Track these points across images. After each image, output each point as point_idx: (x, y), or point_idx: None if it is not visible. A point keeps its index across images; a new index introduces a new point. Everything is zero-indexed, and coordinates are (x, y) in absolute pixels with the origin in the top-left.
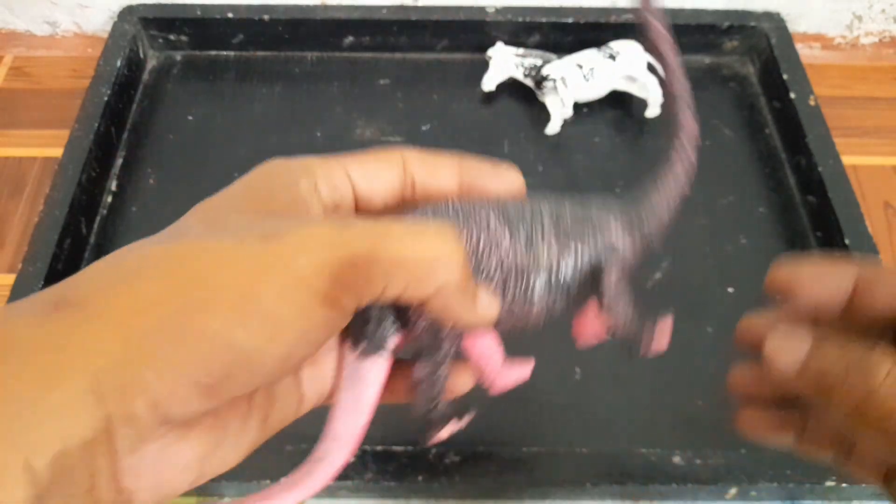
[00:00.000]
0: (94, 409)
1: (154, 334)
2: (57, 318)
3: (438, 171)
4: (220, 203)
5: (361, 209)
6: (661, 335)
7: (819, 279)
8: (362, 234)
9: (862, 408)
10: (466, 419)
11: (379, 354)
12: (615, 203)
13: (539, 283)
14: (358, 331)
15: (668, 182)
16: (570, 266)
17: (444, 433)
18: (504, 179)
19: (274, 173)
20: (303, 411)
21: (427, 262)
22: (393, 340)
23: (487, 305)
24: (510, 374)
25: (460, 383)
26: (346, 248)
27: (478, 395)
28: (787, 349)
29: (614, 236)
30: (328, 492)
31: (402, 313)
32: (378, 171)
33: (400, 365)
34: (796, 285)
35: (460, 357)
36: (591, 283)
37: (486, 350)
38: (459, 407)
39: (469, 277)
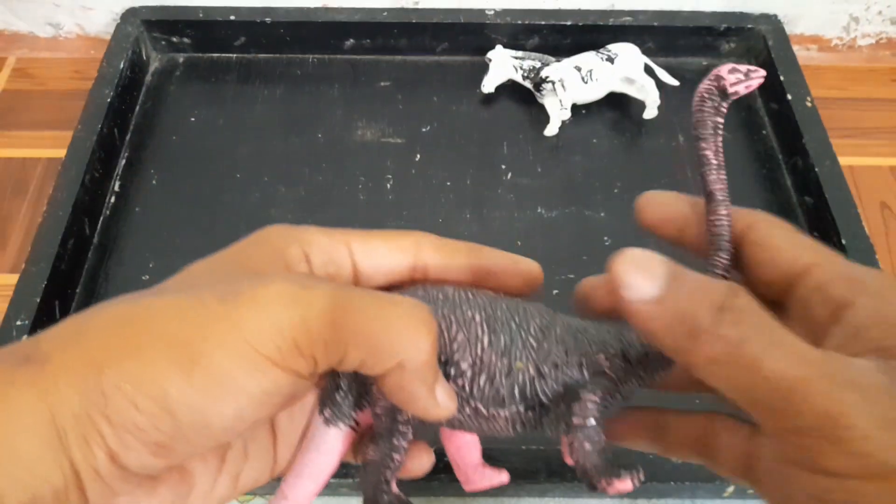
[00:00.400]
0: (62, 458)
1: (106, 389)
2: (23, 373)
3: (453, 260)
4: (204, 264)
5: (360, 285)
6: (623, 485)
7: (664, 204)
8: (324, 295)
9: (726, 362)
10: None
11: (339, 425)
12: (614, 331)
13: (507, 392)
14: (326, 396)
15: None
16: (545, 383)
17: None
18: (521, 273)
19: (267, 238)
20: (278, 472)
21: (389, 336)
22: (356, 416)
23: (444, 400)
24: (484, 476)
25: (417, 465)
26: (304, 308)
27: None
28: (646, 269)
29: (604, 362)
30: (329, 490)
31: (369, 387)
32: (385, 253)
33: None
34: (647, 208)
35: (416, 440)
36: (568, 403)
37: (464, 445)
38: (403, 498)
39: (432, 365)
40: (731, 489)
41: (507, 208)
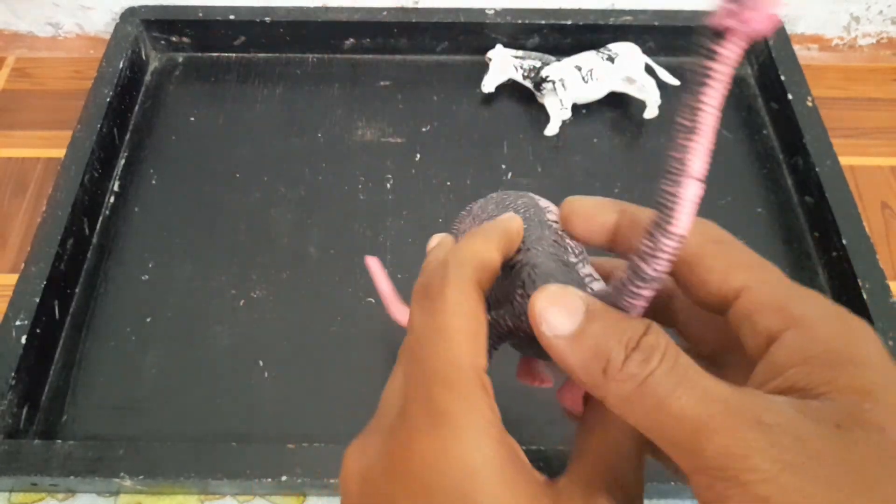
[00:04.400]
0: None
1: None
2: None
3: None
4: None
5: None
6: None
7: (587, 216)
8: None
9: (635, 401)
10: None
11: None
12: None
13: (539, 272)
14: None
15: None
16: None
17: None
18: None
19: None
20: None
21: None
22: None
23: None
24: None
25: None
26: None
27: None
28: (563, 305)
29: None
30: (329, 491)
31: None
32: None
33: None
34: (571, 219)
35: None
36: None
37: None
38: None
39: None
40: None
41: None
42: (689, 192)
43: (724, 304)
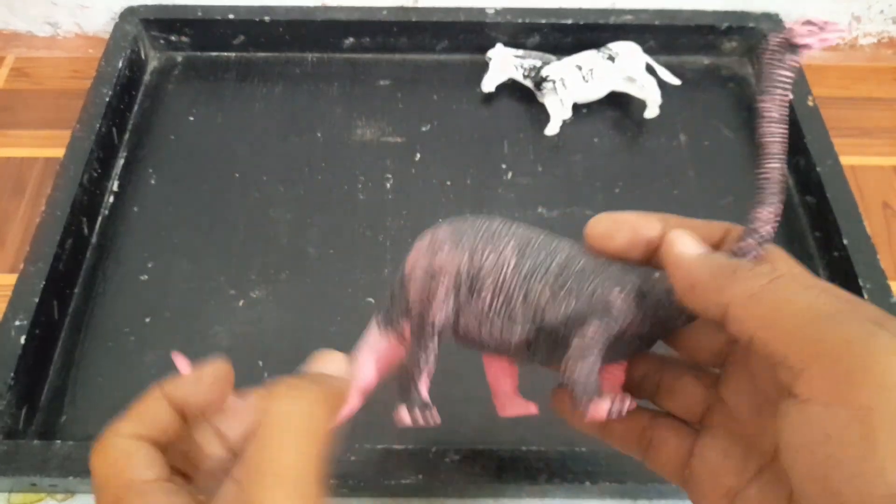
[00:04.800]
0: None
1: None
2: None
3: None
4: None
5: None
6: (598, 407)
7: (633, 228)
8: None
9: (758, 299)
10: (431, 420)
11: (388, 331)
12: (636, 272)
13: (522, 312)
14: (384, 305)
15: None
16: (555, 312)
17: (406, 419)
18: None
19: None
20: None
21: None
22: (403, 325)
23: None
24: (516, 404)
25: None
26: None
27: (479, 397)
28: (693, 239)
29: (613, 300)
30: (328, 490)
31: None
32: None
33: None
34: (607, 237)
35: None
36: (572, 328)
37: (501, 372)
38: (427, 406)
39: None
40: None
41: (508, 208)
42: (777, 174)
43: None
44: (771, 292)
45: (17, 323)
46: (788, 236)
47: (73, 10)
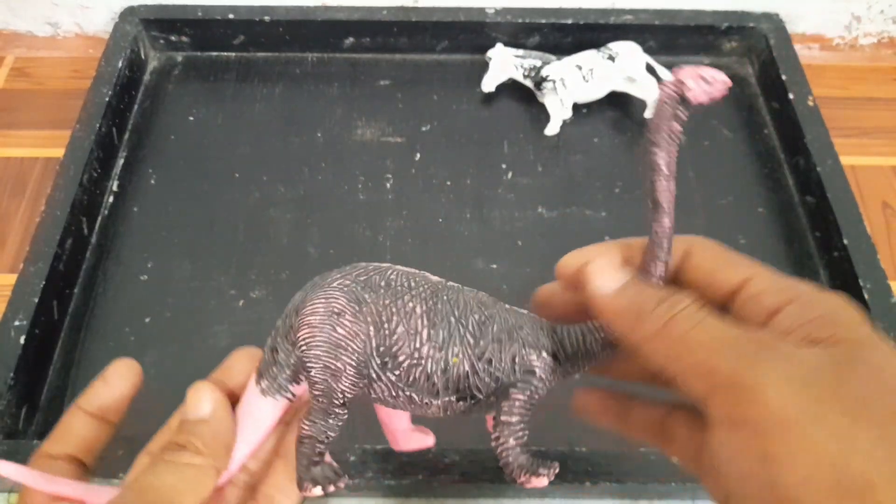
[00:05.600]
0: None
1: None
2: None
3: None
4: None
5: None
6: (538, 482)
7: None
8: None
9: (661, 337)
10: (341, 484)
11: (276, 397)
12: (544, 330)
13: (441, 384)
14: (263, 368)
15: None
16: (478, 378)
17: (318, 491)
18: None
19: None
20: None
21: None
22: (292, 389)
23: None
24: (413, 438)
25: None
26: None
27: None
28: (608, 273)
29: (535, 367)
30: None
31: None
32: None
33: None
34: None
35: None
36: (498, 396)
37: (394, 412)
38: (336, 472)
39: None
40: None
41: (508, 208)
42: (670, 230)
43: (728, 297)
44: (672, 329)
45: (17, 323)
46: (788, 236)
47: (73, 10)
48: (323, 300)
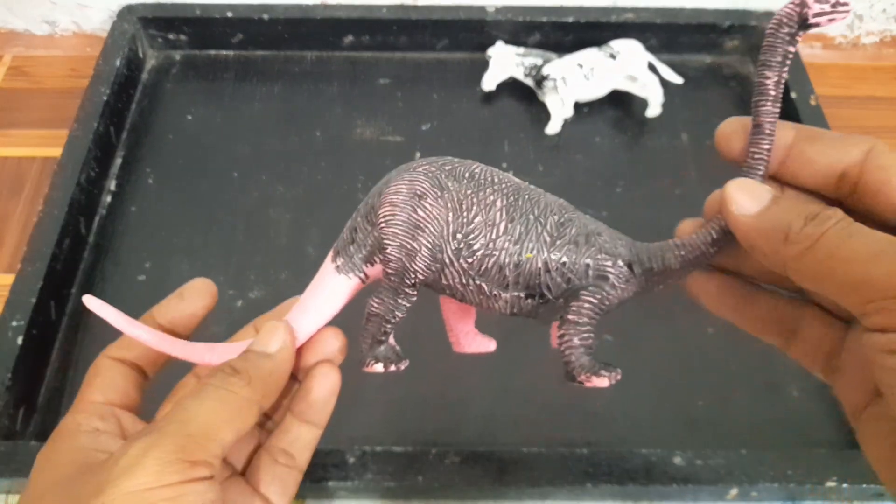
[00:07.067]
0: None
1: None
2: None
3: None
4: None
5: None
6: (598, 383)
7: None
8: None
9: (810, 255)
10: (402, 366)
11: (349, 275)
12: (623, 241)
13: (512, 278)
14: (340, 246)
15: (697, 246)
16: (550, 277)
17: (379, 368)
18: None
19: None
20: None
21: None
22: (366, 269)
23: None
24: (475, 341)
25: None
26: None
27: (479, 398)
28: (748, 192)
29: (609, 273)
30: (328, 492)
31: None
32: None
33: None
34: (734, 141)
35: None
36: (567, 299)
37: (459, 310)
38: (398, 354)
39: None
40: (734, 492)
41: None
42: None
43: (832, 178)
44: (822, 246)
45: (15, 323)
46: None
47: (71, 8)
48: (407, 181)
